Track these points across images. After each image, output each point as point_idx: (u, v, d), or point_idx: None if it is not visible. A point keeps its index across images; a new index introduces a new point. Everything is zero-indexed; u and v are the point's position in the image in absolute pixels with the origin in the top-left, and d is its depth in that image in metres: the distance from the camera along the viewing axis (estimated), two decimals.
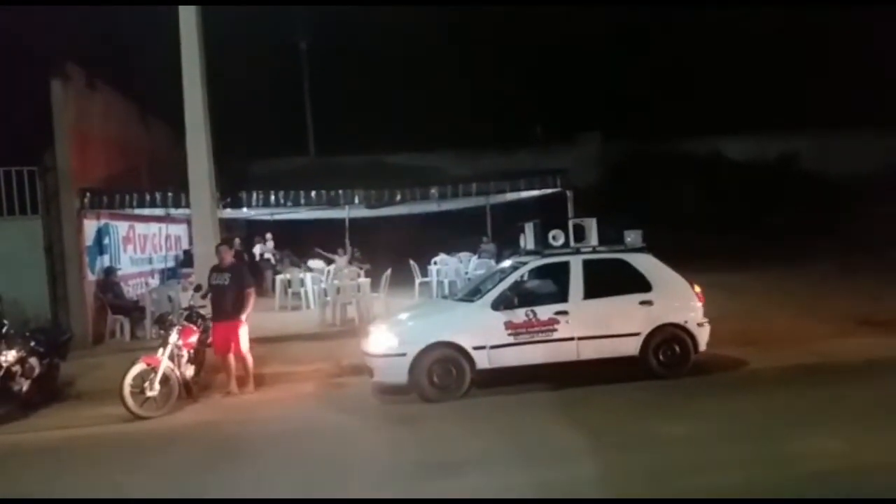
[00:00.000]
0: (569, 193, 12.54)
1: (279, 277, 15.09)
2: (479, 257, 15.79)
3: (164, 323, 8.27)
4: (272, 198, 11.83)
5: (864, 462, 5.26)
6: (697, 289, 8.40)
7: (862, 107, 21.88)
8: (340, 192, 11.90)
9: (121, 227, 12.96)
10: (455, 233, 18.47)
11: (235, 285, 8.45)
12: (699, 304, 8.30)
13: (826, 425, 6.15)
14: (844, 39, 23.00)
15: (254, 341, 8.84)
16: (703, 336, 8.24)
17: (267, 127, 23.18)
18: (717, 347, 8.63)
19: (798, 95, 23.42)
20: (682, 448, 5.80)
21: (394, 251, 16.61)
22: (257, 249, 17.54)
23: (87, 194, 11.37)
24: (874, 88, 21.97)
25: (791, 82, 23.98)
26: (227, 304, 8.41)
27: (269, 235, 18.06)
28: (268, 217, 15.13)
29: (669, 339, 8.12)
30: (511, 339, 7.86)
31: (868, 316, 10.69)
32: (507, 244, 16.73)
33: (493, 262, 15.20)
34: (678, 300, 8.27)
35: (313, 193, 11.85)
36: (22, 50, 10.91)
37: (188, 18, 9.65)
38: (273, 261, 17.56)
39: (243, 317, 8.44)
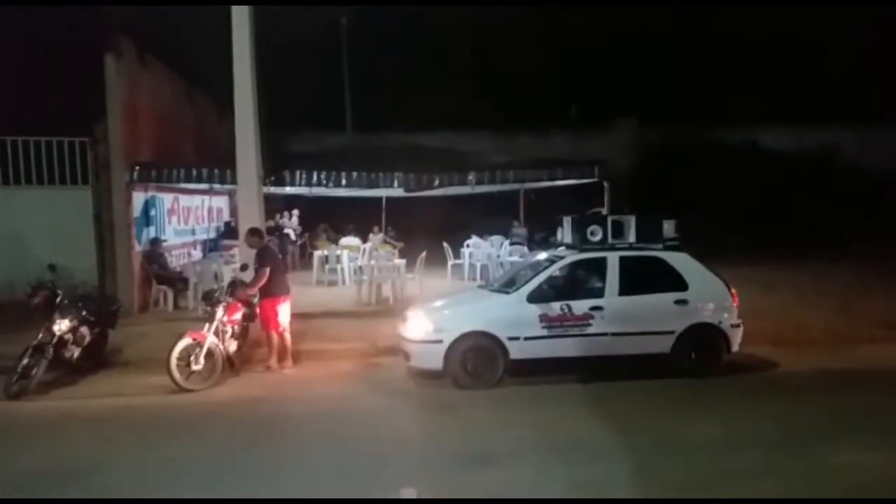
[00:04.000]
0: (606, 184, 12.54)
1: (316, 253, 15.40)
2: (511, 242, 15.92)
3: (210, 299, 8.57)
4: (314, 177, 12.04)
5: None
6: (733, 290, 8.46)
7: None
8: (380, 174, 12.06)
9: (166, 199, 13.31)
10: (487, 214, 18.60)
11: (260, 265, 8.72)
12: (734, 305, 8.37)
13: (859, 436, 6.20)
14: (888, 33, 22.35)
15: (293, 316, 9.12)
16: (736, 337, 8.32)
17: (306, 102, 23.35)
18: (749, 346, 8.72)
19: (840, 87, 22.89)
20: (714, 452, 5.90)
21: (427, 230, 16.83)
22: (279, 223, 17.73)
23: (137, 167, 11.69)
24: None
25: (833, 73, 23.41)
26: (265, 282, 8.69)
27: (295, 212, 18.23)
28: (306, 193, 15.37)
29: (703, 338, 8.23)
30: (545, 332, 8.03)
31: None
32: (538, 228, 16.89)
33: (524, 247, 15.34)
34: (713, 300, 8.35)
35: (354, 174, 12.04)
36: (77, 24, 11.18)
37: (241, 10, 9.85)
38: (293, 237, 17.75)
39: (277, 292, 8.71)
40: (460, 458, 5.85)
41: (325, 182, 11.90)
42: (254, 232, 9.10)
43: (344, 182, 11.96)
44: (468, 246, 15.77)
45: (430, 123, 22.35)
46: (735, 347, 8.33)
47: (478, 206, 18.34)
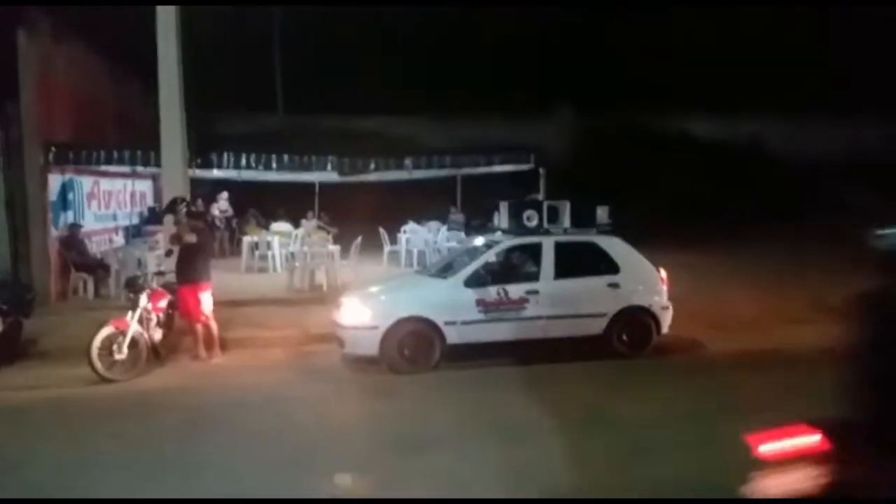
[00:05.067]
0: (541, 171, 12.64)
1: (246, 239, 14.97)
2: (448, 228, 15.88)
3: (134, 286, 8.20)
4: (243, 160, 11.69)
5: None
6: (663, 273, 8.66)
7: (829, 93, 22.36)
8: (313, 157, 11.81)
9: (86, 183, 12.66)
10: (424, 200, 18.47)
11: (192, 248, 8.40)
12: (664, 288, 8.58)
13: (776, 413, 6.34)
14: (817, 25, 23.31)
15: (220, 304, 8.84)
16: (665, 319, 8.53)
17: (236, 81, 22.61)
18: (679, 329, 8.93)
19: (768, 78, 23.71)
20: (642, 429, 6.04)
21: (363, 216, 16.59)
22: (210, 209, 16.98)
23: (54, 148, 11.06)
24: (844, 75, 22.41)
25: (763, 65, 24.23)
26: (186, 267, 8.39)
27: (224, 194, 17.51)
28: (235, 176, 14.92)
29: (634, 320, 8.41)
30: (482, 317, 8.04)
31: (827, 304, 11.07)
32: (475, 215, 16.91)
33: (462, 233, 15.34)
34: (644, 283, 8.53)
35: (285, 158, 11.75)
36: None
37: None
38: (217, 223, 17.14)
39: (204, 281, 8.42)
40: (396, 443, 5.78)
41: (254, 165, 11.58)
42: (191, 214, 8.83)
43: (275, 165, 11.68)
44: (405, 232, 15.65)
45: (366, 107, 22.07)
46: (665, 329, 8.54)
47: (415, 191, 18.20)
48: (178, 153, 9.71)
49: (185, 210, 8.53)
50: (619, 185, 19.00)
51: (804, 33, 23.33)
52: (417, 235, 15.39)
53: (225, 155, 11.54)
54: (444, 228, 15.83)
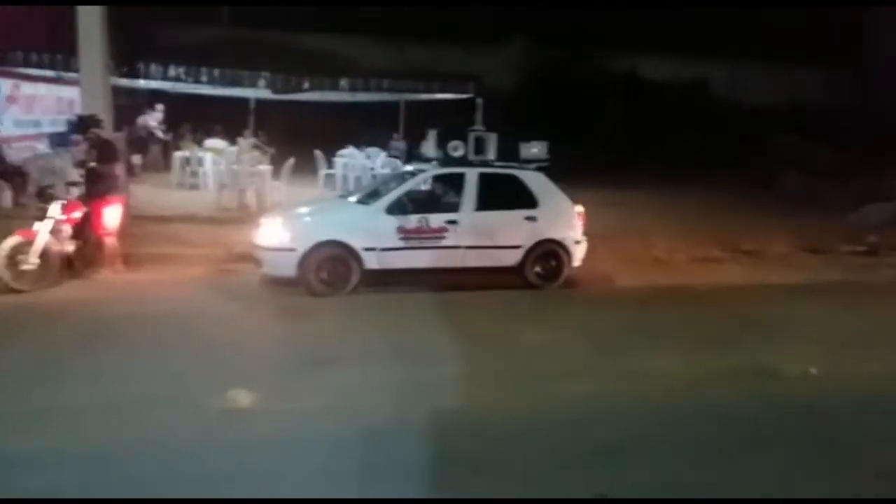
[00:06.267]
0: (479, 101, 12.57)
1: (178, 154, 14.60)
2: (389, 155, 15.76)
3: (44, 196, 8.00)
4: (172, 71, 11.29)
5: (698, 379, 5.86)
6: (580, 209, 8.87)
7: (774, 40, 22.58)
8: (245, 73, 11.48)
9: (3, 85, 12.08)
10: (367, 125, 18.23)
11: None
12: (579, 223, 8.81)
13: (672, 345, 6.76)
14: None
15: (146, 219, 8.70)
16: (578, 253, 8.79)
17: None
18: (595, 264, 9.21)
19: (716, 21, 23.72)
20: (542, 356, 6.32)
21: (303, 138, 16.29)
22: (140, 121, 16.38)
23: None
24: (789, 22, 22.62)
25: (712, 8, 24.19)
26: (93, 181, 8.23)
27: (159, 106, 16.84)
28: (169, 89, 14.40)
29: (547, 253, 8.64)
30: (401, 244, 8.15)
31: (739, 244, 11.54)
32: (418, 143, 16.79)
33: (400, 160, 15.25)
34: (560, 218, 8.74)
35: (216, 71, 11.39)
36: None
37: None
38: (158, 135, 16.55)
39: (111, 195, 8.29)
40: (299, 360, 5.90)
41: (184, 78, 11.20)
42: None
43: (205, 79, 11.32)
44: (343, 156, 15.46)
45: (315, 23, 21.37)
46: (577, 262, 8.81)
47: (358, 115, 17.90)
48: (97, 60, 9.27)
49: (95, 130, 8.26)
50: (564, 122, 19.07)
51: None
52: (355, 160, 15.24)
53: (152, 65, 11.10)
54: (383, 155, 15.70)
